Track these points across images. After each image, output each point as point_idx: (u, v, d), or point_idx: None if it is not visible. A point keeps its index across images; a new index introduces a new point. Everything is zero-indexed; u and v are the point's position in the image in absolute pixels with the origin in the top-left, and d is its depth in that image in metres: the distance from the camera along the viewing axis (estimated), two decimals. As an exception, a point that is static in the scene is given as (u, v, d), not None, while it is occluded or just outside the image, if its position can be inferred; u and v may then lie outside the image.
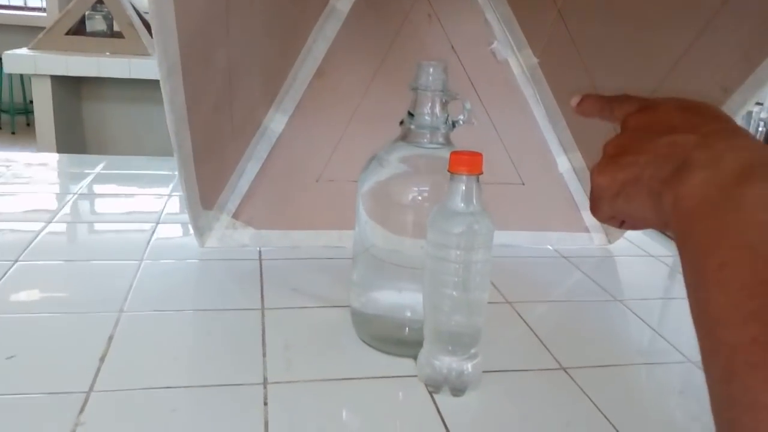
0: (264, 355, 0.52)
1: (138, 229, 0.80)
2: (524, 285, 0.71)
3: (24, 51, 1.89)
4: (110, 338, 0.53)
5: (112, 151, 2.09)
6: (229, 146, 0.70)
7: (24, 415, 0.43)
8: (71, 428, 0.42)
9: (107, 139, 2.11)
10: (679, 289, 0.73)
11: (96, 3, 1.90)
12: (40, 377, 0.47)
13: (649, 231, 0.93)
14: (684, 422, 0.49)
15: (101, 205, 0.91)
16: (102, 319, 0.56)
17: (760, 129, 1.56)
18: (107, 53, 1.91)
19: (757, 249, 0.26)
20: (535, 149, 0.82)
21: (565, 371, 0.53)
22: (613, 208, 0.37)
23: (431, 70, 0.50)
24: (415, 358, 0.51)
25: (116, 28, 1.94)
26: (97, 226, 0.83)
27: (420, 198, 0.51)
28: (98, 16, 1.93)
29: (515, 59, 0.79)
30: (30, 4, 4.69)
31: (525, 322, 0.62)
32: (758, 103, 1.47)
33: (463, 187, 0.45)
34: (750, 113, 1.52)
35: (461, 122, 0.52)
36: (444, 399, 0.48)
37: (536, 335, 0.59)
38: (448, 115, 0.51)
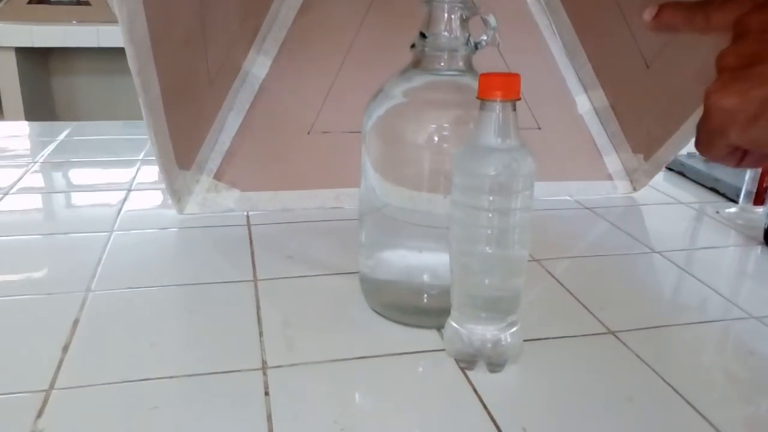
0: (261, 335, 0.46)
1: (106, 198, 0.72)
2: (550, 240, 0.64)
3: (-17, 22, 1.84)
4: (75, 323, 0.46)
5: (84, 125, 2.03)
6: (205, 93, 0.62)
7: (-36, 425, 0.36)
8: (24, 438, 0.34)
9: (79, 114, 2.05)
10: (719, 237, 0.66)
11: (59, -32, 1.85)
12: (-14, 375, 0.40)
13: (672, 176, 0.86)
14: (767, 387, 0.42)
15: (65, 174, 0.83)
16: (65, 301, 0.49)
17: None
18: (74, 21, 1.86)
19: None
20: (552, 89, 0.75)
21: (615, 335, 0.46)
22: (745, 137, 0.29)
23: (448, -23, 0.41)
24: (439, 328, 0.45)
25: (82, -6, 1.90)
26: (60, 197, 0.74)
27: (437, 138, 0.43)
28: (62, -18, 1.87)
29: (527, -15, 0.72)
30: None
31: (558, 281, 0.55)
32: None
33: (499, 117, 0.37)
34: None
35: (484, 43, 0.43)
36: (479, 376, 0.41)
37: (574, 296, 0.52)
38: (469, 35, 0.42)
